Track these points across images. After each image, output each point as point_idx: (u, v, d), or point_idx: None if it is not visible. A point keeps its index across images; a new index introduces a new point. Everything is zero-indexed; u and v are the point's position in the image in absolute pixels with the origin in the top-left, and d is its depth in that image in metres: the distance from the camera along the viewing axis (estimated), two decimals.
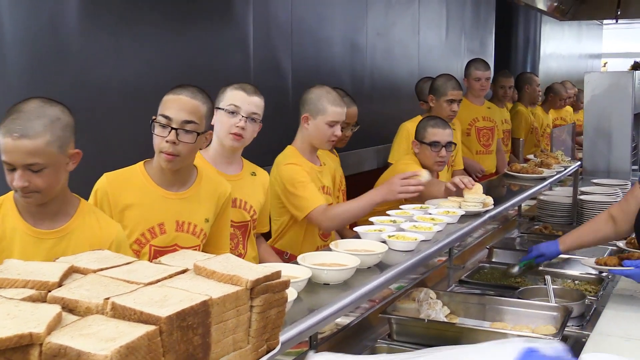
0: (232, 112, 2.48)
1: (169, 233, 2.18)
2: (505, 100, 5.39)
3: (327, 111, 2.86)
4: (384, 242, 2.19)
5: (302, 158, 2.91)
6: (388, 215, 2.57)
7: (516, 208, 4.17)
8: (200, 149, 2.40)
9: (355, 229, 2.36)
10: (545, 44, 10.06)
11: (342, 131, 2.98)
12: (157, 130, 2.13)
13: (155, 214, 2.16)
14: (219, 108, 2.50)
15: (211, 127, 2.30)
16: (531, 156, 4.57)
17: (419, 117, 4.01)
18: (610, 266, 2.58)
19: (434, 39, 6.63)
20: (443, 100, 4.02)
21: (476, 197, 2.77)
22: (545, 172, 3.87)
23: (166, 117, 2.11)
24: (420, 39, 6.29)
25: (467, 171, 4.60)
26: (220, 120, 2.50)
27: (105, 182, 2.16)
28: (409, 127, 3.91)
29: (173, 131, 2.10)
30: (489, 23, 8.11)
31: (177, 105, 2.11)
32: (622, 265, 2.64)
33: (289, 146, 2.99)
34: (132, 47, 3.19)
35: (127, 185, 2.17)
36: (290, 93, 4.41)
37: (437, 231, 2.39)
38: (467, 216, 2.69)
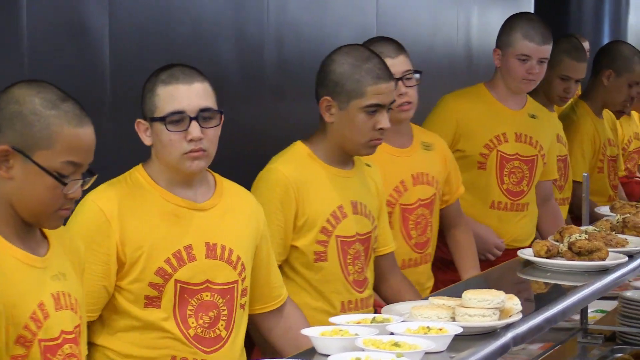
0: None
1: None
2: (564, 102, 5.78)
3: None
4: None
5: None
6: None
7: (577, 316, 4.40)
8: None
9: None
10: None
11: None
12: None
13: None
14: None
15: None
16: (604, 209, 4.85)
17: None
18: None
19: None
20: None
21: (487, 298, 2.96)
22: (633, 243, 4.07)
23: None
24: None
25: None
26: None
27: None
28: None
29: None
30: None
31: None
32: None
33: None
34: None
35: None
36: (109, 82, 4.56)
37: None
38: (470, 337, 2.87)
